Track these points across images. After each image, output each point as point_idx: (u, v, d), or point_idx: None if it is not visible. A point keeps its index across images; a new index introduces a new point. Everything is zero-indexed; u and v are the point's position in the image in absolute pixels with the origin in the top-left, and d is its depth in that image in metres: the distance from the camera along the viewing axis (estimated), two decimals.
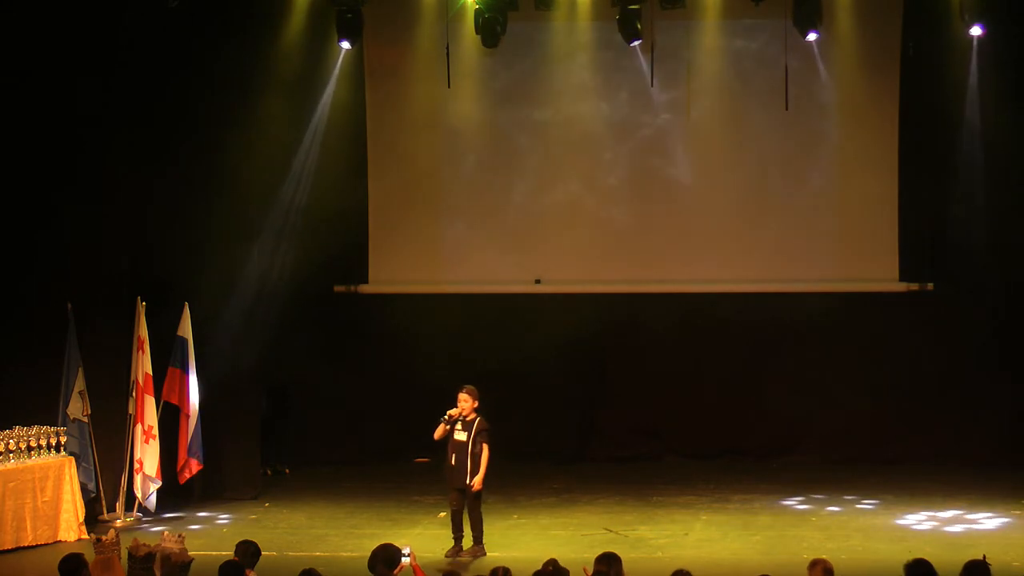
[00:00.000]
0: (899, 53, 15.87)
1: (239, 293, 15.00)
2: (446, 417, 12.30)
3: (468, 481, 12.19)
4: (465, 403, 12.30)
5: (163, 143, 14.53)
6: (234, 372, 15.02)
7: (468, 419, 12.29)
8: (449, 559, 12.10)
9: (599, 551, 8.82)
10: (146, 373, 14.00)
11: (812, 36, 14.98)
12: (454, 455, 12.28)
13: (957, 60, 15.59)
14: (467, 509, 12.31)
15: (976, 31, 14.87)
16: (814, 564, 8.39)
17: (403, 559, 8.85)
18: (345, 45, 15.37)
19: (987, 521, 13.43)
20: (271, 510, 14.49)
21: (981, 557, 8.53)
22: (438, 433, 12.36)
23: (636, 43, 15.25)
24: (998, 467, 15.52)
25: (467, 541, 12.35)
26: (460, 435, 12.26)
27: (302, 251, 16.22)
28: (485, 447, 12.21)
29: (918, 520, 13.52)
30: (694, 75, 16.32)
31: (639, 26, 14.94)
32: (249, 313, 15.15)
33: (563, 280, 16.60)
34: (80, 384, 13.77)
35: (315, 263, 16.42)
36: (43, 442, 13.26)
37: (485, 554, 12.21)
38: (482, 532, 12.36)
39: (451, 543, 12.31)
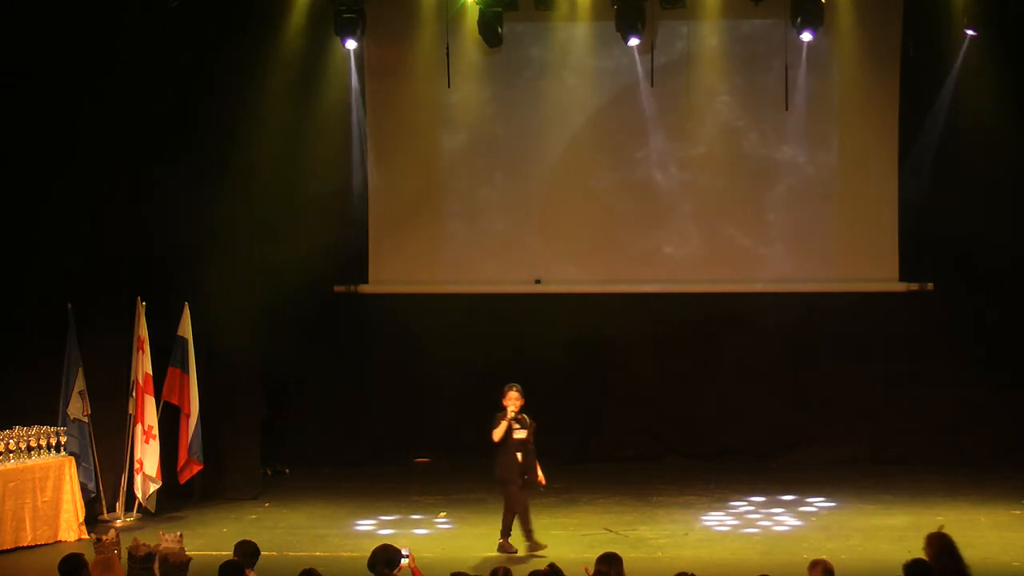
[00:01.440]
0: (899, 53, 15.87)
1: (239, 293, 14.99)
2: (509, 416, 12.31)
3: (537, 476, 12.38)
4: (518, 401, 12.38)
5: (162, 143, 14.53)
6: (234, 372, 15.02)
7: (519, 417, 12.38)
8: (531, 553, 12.18)
9: (599, 551, 8.82)
10: (146, 373, 14.00)
11: (811, 36, 14.94)
12: (519, 453, 12.38)
13: (957, 60, 15.59)
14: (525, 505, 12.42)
15: (971, 32, 14.87)
16: (814, 565, 8.39)
17: (402, 560, 8.86)
18: (351, 44, 15.36)
19: (986, 521, 13.44)
20: (271, 510, 14.49)
21: (939, 528, 8.63)
22: (499, 434, 12.38)
23: (635, 42, 15.22)
24: (997, 467, 15.53)
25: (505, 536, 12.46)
26: (520, 433, 12.39)
27: (302, 251, 16.21)
28: None
29: (917, 520, 13.52)
30: (694, 75, 16.31)
31: (639, 25, 14.93)
32: (249, 313, 15.14)
33: (563, 280, 16.60)
34: (80, 384, 13.77)
35: (315, 263, 16.42)
36: (43, 442, 13.27)
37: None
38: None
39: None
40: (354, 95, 16.52)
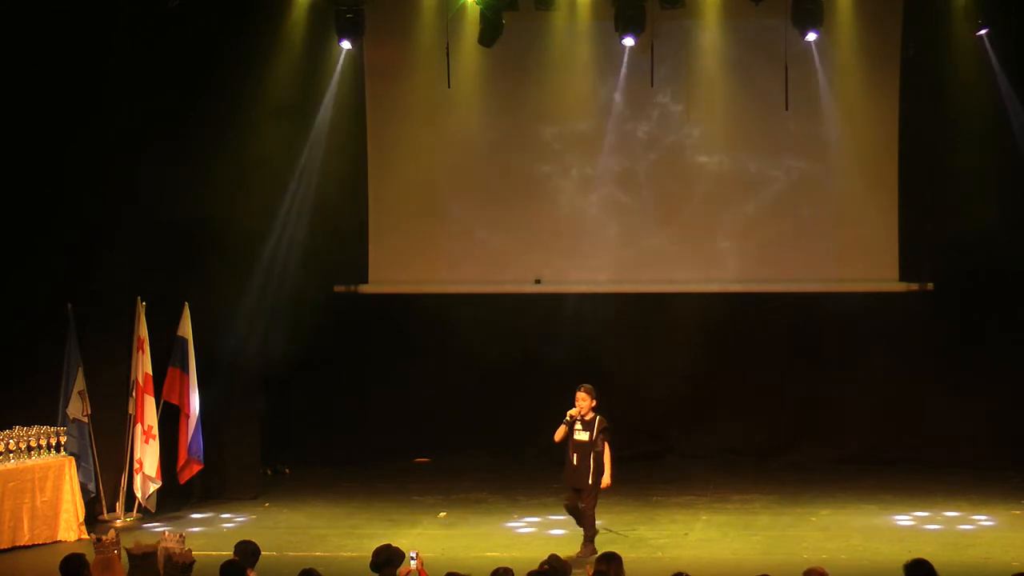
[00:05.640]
0: (899, 53, 15.87)
1: (239, 293, 14.98)
2: (567, 418, 12.16)
3: (590, 481, 12.06)
4: (583, 402, 12.14)
5: (162, 143, 14.51)
6: (234, 372, 15.01)
7: (587, 418, 12.15)
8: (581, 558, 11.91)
9: (599, 551, 8.82)
10: (146, 373, 14.00)
11: (811, 36, 14.97)
12: (575, 455, 12.13)
13: (958, 61, 15.58)
14: (582, 508, 12.17)
15: (982, 31, 14.87)
16: (809, 573, 8.30)
17: (411, 562, 8.85)
18: (346, 45, 15.36)
19: (986, 521, 13.44)
20: (271, 510, 14.49)
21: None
22: (559, 435, 12.22)
23: (633, 42, 15.19)
24: (998, 467, 15.52)
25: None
26: (581, 435, 12.12)
27: (302, 251, 16.21)
28: (606, 445, 12.10)
29: (918, 520, 13.53)
30: (694, 75, 16.31)
31: (638, 25, 14.91)
32: (249, 313, 15.14)
33: (563, 280, 16.60)
34: (80, 384, 13.75)
35: (315, 263, 16.41)
36: (43, 442, 13.26)
37: (596, 552, 11.82)
38: (595, 532, 12.21)
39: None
40: (354, 95, 16.51)
